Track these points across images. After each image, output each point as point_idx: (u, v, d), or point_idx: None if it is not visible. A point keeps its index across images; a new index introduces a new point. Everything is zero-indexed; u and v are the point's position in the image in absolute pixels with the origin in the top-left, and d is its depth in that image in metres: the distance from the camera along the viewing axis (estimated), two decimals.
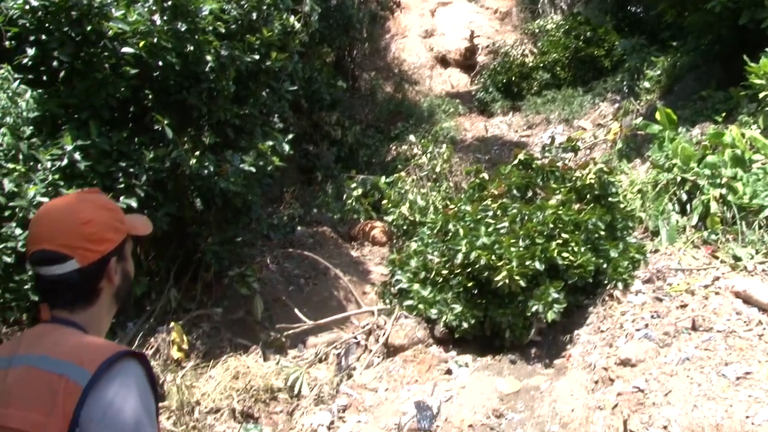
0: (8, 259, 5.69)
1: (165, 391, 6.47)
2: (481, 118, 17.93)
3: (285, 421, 6.27)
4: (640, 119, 11.15)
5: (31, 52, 6.13)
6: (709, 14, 10.79)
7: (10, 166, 5.84)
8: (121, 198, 6.10)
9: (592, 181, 7.41)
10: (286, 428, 6.13)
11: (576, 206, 7.11)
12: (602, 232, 6.87)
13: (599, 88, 16.08)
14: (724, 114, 9.87)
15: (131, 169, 6.37)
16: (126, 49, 6.29)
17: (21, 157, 5.93)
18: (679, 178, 8.19)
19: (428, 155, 11.32)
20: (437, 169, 10.96)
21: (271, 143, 7.49)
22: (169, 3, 6.46)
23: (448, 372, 6.50)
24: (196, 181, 6.92)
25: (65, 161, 5.90)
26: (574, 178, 7.60)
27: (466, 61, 20.85)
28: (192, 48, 6.66)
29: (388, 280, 8.26)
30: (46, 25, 6.11)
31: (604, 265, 6.75)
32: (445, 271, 7.13)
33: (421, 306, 7.11)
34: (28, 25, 6.10)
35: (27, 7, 5.96)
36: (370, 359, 6.95)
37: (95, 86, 6.28)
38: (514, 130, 16.65)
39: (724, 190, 7.59)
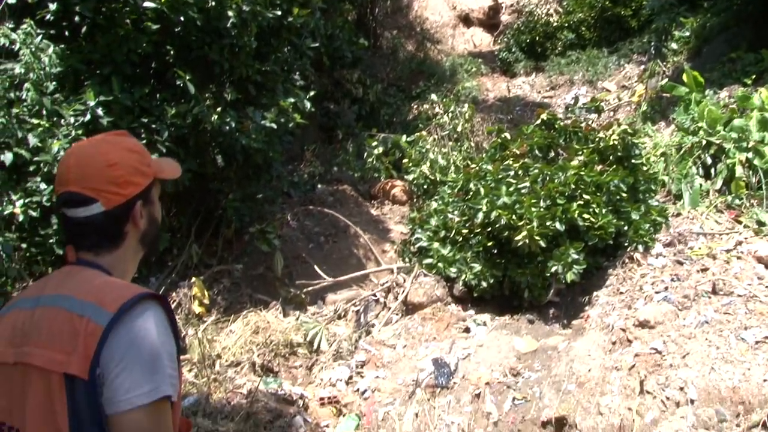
0: (34, 213, 5.78)
1: (187, 344, 6.60)
2: (504, 79, 17.71)
3: (304, 376, 6.37)
4: (666, 81, 10.95)
5: (53, 6, 6.13)
6: None
7: (35, 121, 5.90)
8: None
9: (616, 142, 7.32)
10: (305, 382, 6.23)
11: (598, 167, 7.04)
12: (624, 194, 6.81)
13: (625, 49, 15.76)
14: (753, 77, 9.66)
15: (153, 125, 6.40)
16: (147, 4, 6.27)
17: (45, 112, 5.98)
18: (704, 142, 8.06)
19: (450, 115, 11.23)
20: (458, 129, 10.88)
21: (292, 100, 7.47)
22: None
23: (466, 330, 6.55)
24: (218, 138, 6.94)
25: (88, 117, 5.94)
26: (597, 139, 7.51)
27: (490, 21, 20.53)
28: (213, 3, 6.62)
29: (407, 239, 8.28)
30: None
31: (625, 228, 6.70)
32: (465, 230, 7.13)
33: (440, 264, 7.13)
34: None
35: None
36: (389, 316, 7.01)
37: (117, 42, 6.28)
38: (536, 91, 16.43)
39: (750, 154, 7.47)
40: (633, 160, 7.37)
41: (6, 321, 1.67)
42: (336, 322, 7.24)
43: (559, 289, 6.78)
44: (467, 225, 7.12)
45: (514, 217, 6.52)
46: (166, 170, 1.87)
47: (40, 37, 6.21)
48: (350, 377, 6.14)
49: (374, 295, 7.47)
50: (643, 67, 14.47)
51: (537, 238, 6.35)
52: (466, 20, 20.63)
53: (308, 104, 7.69)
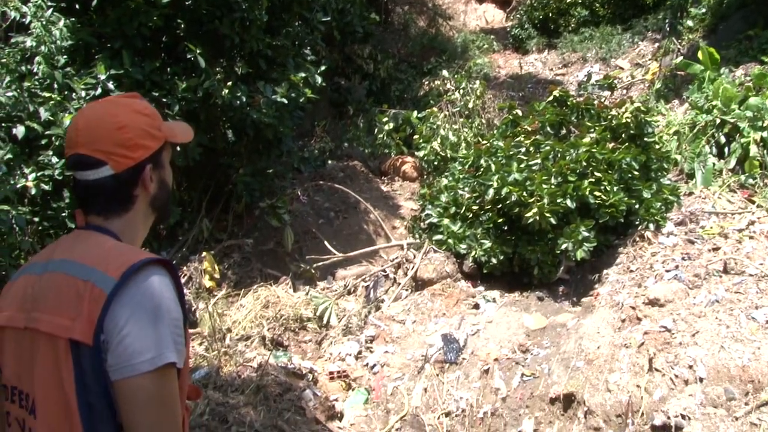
0: (46, 187, 5.80)
1: (198, 317, 6.65)
2: (516, 56, 17.54)
3: (314, 350, 6.42)
4: (681, 59, 10.82)
5: None
6: None
7: (46, 95, 5.90)
8: None
9: (628, 120, 7.25)
10: (314, 356, 6.28)
11: (610, 145, 6.99)
12: (636, 172, 6.77)
13: (639, 27, 15.56)
14: None
15: (164, 99, 6.39)
16: None
17: (56, 86, 5.99)
18: (718, 120, 8.00)
19: (461, 91, 11.16)
20: (470, 106, 10.81)
21: (303, 75, 7.44)
22: None
23: (476, 306, 6.56)
24: (228, 112, 6.93)
25: (99, 90, 5.94)
26: (609, 117, 7.45)
27: None
28: None
29: (418, 215, 8.29)
30: None
31: (636, 206, 6.68)
32: (475, 207, 7.12)
33: (450, 241, 7.13)
34: None
35: None
36: (399, 292, 7.03)
37: (128, 15, 6.25)
38: (549, 68, 16.28)
39: (765, 134, 7.40)
40: (645, 138, 7.31)
41: (17, 286, 1.68)
42: (346, 297, 7.28)
43: (569, 266, 6.77)
44: (478, 201, 7.11)
45: (524, 193, 6.50)
46: (178, 134, 1.83)
47: (51, 10, 6.19)
48: (359, 352, 6.18)
49: (384, 270, 7.49)
50: (657, 44, 14.29)
51: (547, 215, 6.33)
52: None
53: (319, 79, 7.65)
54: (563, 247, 6.38)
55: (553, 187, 6.50)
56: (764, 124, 7.45)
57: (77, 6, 6.46)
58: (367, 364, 5.98)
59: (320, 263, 7.73)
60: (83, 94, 5.94)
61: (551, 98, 8.06)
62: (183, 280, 6.99)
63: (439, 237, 7.28)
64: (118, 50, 6.30)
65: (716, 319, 4.72)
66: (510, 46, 18.03)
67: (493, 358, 5.50)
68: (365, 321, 6.65)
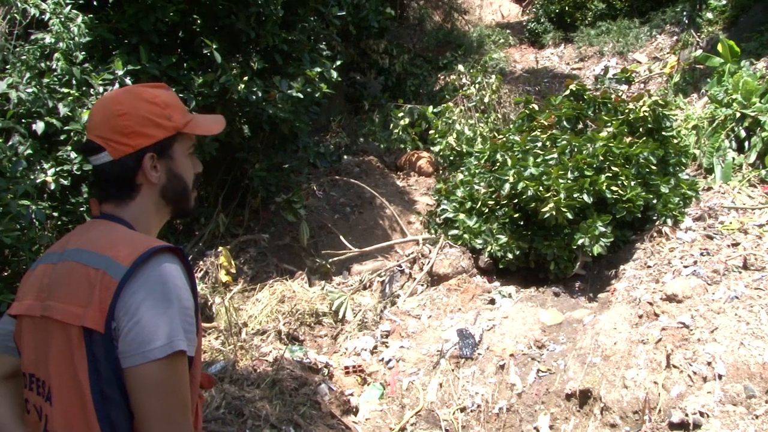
0: (65, 182, 5.85)
1: (214, 312, 6.68)
2: (532, 50, 17.44)
3: (329, 345, 6.43)
4: (700, 52, 10.70)
5: None
6: None
7: (65, 90, 5.95)
8: None
9: (646, 113, 7.19)
10: (330, 351, 6.29)
11: (628, 139, 6.94)
12: (654, 167, 6.72)
13: (657, 20, 15.40)
14: None
15: (180, 94, 6.41)
16: None
17: (74, 82, 6.04)
18: (738, 114, 7.90)
19: (477, 86, 11.11)
20: (485, 100, 10.77)
21: (319, 69, 7.44)
22: None
23: (491, 302, 6.55)
24: (245, 107, 6.94)
25: (116, 86, 5.98)
26: (626, 111, 7.39)
27: None
28: None
29: (433, 210, 8.28)
30: None
31: (654, 201, 6.62)
32: (491, 202, 7.10)
33: (466, 236, 7.12)
34: None
35: None
36: (414, 287, 7.03)
37: (144, 11, 6.28)
38: (565, 63, 16.17)
39: None
40: (663, 133, 7.25)
41: (35, 275, 1.70)
42: (361, 292, 7.28)
43: (585, 262, 6.74)
44: (493, 196, 7.09)
45: (541, 188, 6.47)
46: (201, 126, 1.82)
47: (69, 6, 6.24)
48: (375, 347, 6.19)
49: (399, 265, 7.49)
50: (675, 37, 14.15)
51: (564, 210, 6.30)
52: None
53: (335, 74, 7.65)
54: (580, 242, 6.34)
55: (569, 181, 6.46)
56: None
57: (95, 2, 6.50)
58: (382, 359, 5.99)
59: (336, 258, 7.74)
60: (101, 89, 5.99)
61: (568, 92, 8.01)
62: (199, 275, 7.02)
63: (454, 232, 7.27)
64: (135, 46, 6.33)
65: (735, 315, 4.67)
66: (526, 40, 17.92)
67: (508, 353, 5.49)
68: (381, 316, 6.66)
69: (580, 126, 7.59)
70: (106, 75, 6.01)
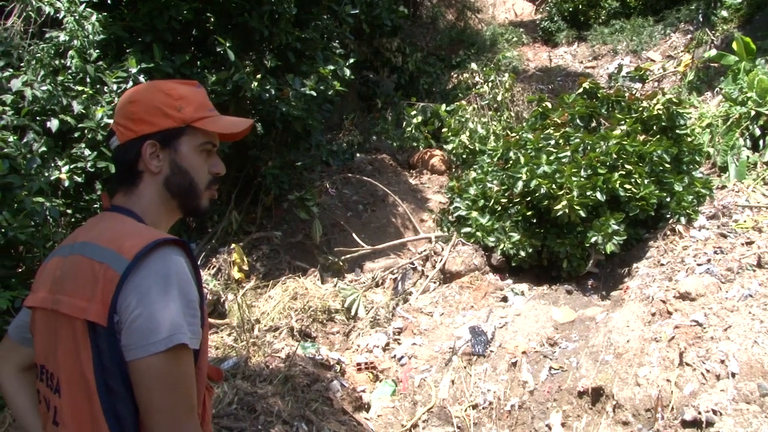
0: (79, 179, 5.90)
1: (226, 309, 6.71)
2: (545, 48, 17.38)
3: (341, 341, 6.44)
4: (714, 50, 10.63)
5: None
6: None
7: (79, 88, 6.00)
8: None
9: (660, 111, 7.16)
10: (342, 348, 6.30)
11: (641, 137, 6.90)
12: (667, 165, 6.68)
13: (671, 18, 15.31)
14: None
15: None
16: None
17: (88, 80, 6.08)
18: (753, 112, 7.85)
19: (489, 84, 11.10)
20: (498, 98, 10.75)
21: (332, 67, 7.46)
22: None
23: (504, 299, 6.54)
24: (258, 105, 6.97)
25: (130, 83, 6.02)
26: (640, 109, 7.35)
27: None
28: None
29: (446, 208, 8.27)
30: None
31: (668, 199, 6.59)
32: (504, 200, 7.09)
33: (478, 233, 7.11)
34: None
35: None
36: (427, 285, 7.03)
37: (158, 9, 6.32)
38: (578, 61, 16.10)
39: None
40: (677, 131, 7.21)
41: (48, 268, 1.71)
42: (374, 289, 7.29)
43: (598, 260, 6.71)
44: (506, 194, 7.08)
45: (554, 186, 6.46)
46: (216, 125, 1.80)
47: (83, 5, 6.28)
48: (387, 344, 6.19)
49: (412, 263, 7.49)
50: (690, 36, 14.06)
51: (577, 207, 6.28)
52: None
53: (348, 72, 7.66)
54: (593, 240, 6.32)
55: (582, 179, 6.44)
56: None
57: (109, 1, 6.54)
58: (394, 356, 5.99)
59: (348, 256, 7.75)
60: (115, 87, 6.03)
61: (581, 90, 7.98)
62: (212, 272, 7.06)
63: (467, 230, 7.26)
64: (148, 44, 6.37)
65: (749, 313, 4.64)
66: (539, 39, 17.87)
67: (521, 351, 5.48)
68: (393, 313, 6.66)
69: (594, 124, 7.56)
70: (120, 73, 6.06)
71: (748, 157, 7.55)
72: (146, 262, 1.53)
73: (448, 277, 7.04)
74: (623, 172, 6.53)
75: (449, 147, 9.78)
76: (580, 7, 17.15)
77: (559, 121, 7.50)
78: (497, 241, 6.96)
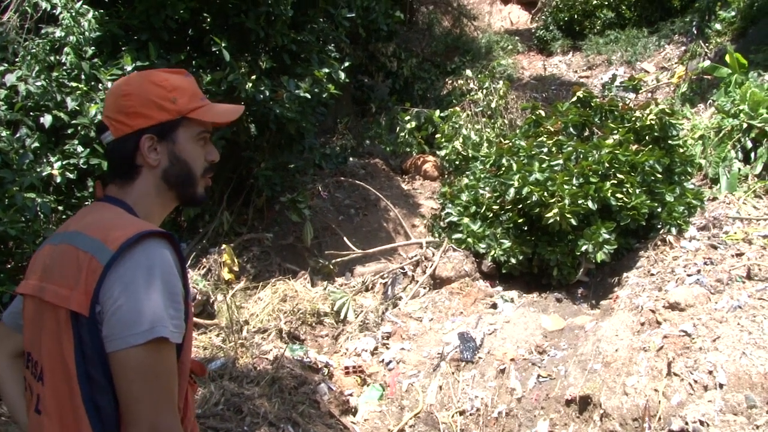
0: (71, 175, 5.88)
1: (215, 309, 6.69)
2: (540, 57, 17.46)
3: (330, 345, 6.43)
4: (708, 63, 10.69)
5: None
6: None
7: (73, 85, 5.98)
8: None
9: (653, 122, 7.19)
10: (330, 351, 6.29)
11: (634, 147, 6.94)
12: (659, 175, 6.71)
13: (666, 30, 15.41)
14: None
15: None
16: None
17: (83, 76, 6.07)
18: (745, 125, 7.89)
19: (484, 91, 11.13)
20: (492, 105, 10.78)
21: (327, 70, 7.46)
22: None
23: (494, 306, 6.54)
24: (252, 106, 6.96)
25: None
26: (633, 118, 7.39)
27: None
28: None
29: (437, 213, 8.28)
30: None
31: (659, 209, 6.62)
32: (495, 207, 7.10)
33: (469, 240, 7.12)
34: None
35: None
36: (416, 290, 7.03)
37: (155, 8, 6.31)
38: (573, 70, 16.19)
39: None
40: (670, 141, 7.24)
41: (40, 256, 1.71)
42: (363, 293, 7.29)
43: (588, 268, 6.73)
44: (498, 201, 7.09)
45: (545, 194, 6.47)
46: (210, 113, 1.79)
47: (80, 2, 6.27)
48: (375, 348, 6.19)
49: (402, 268, 7.49)
50: (684, 48, 14.15)
51: (568, 216, 6.30)
52: None
53: (342, 75, 7.67)
54: (583, 248, 6.34)
55: (574, 187, 6.46)
56: None
57: None
58: (382, 361, 5.98)
59: (339, 259, 7.74)
60: (109, 84, 6.01)
61: (575, 99, 8.01)
62: (202, 272, 7.03)
63: (458, 236, 7.27)
64: (144, 42, 6.36)
65: (738, 325, 4.65)
66: (534, 47, 17.96)
67: (509, 358, 5.48)
68: (382, 317, 6.66)
69: (587, 133, 7.59)
70: (115, 70, 6.04)
71: (739, 169, 7.59)
72: (131, 254, 1.52)
73: (438, 282, 7.04)
74: (615, 182, 6.56)
75: (442, 153, 9.79)
76: (576, 16, 17.25)
77: (552, 129, 7.53)
78: (488, 248, 6.97)
